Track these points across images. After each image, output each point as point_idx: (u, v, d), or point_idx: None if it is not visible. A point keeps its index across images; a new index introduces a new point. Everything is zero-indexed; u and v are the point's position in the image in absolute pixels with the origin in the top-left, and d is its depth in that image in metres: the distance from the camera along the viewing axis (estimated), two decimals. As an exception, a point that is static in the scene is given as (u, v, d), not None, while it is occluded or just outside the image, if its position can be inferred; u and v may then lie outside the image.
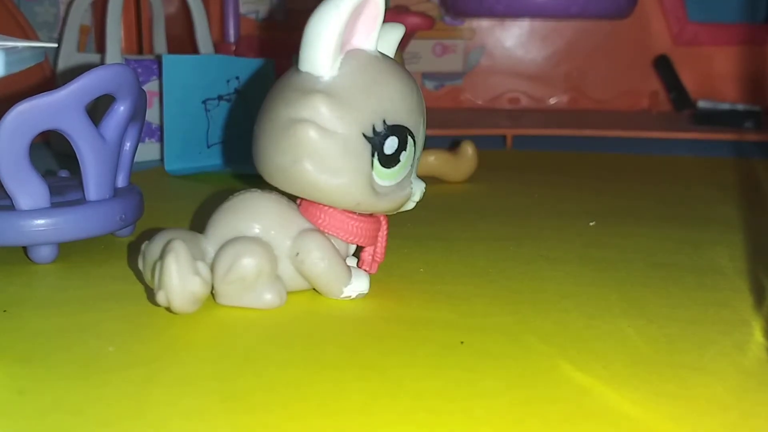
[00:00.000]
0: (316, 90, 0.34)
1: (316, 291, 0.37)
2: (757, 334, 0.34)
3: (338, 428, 0.26)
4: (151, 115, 0.74)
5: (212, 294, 0.35)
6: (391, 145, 0.35)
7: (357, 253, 0.39)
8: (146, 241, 0.36)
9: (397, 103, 0.35)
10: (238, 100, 0.72)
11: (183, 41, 0.88)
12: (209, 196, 0.59)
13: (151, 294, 0.36)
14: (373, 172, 0.35)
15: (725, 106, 0.99)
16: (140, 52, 0.91)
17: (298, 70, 0.35)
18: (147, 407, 0.27)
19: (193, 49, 0.82)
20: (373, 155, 0.34)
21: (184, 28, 0.86)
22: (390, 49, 0.37)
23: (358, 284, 0.37)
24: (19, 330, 0.33)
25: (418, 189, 0.37)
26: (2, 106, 0.40)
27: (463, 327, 0.34)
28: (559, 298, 0.38)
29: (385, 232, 0.39)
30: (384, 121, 0.34)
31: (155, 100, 0.74)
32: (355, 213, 0.37)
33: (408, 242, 0.47)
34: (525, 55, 1.05)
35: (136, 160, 0.50)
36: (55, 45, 0.73)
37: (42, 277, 0.41)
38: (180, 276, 0.32)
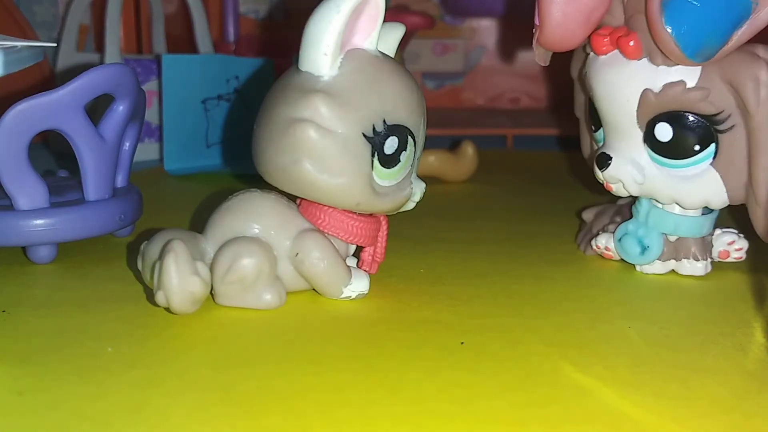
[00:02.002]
0: (316, 90, 0.34)
1: (316, 291, 0.37)
2: (759, 335, 0.34)
3: (338, 429, 0.25)
4: (151, 115, 0.74)
5: (211, 294, 0.35)
6: (391, 145, 0.35)
7: (357, 253, 0.39)
8: (145, 242, 0.36)
9: (397, 102, 0.35)
10: (238, 99, 0.72)
11: (182, 41, 0.88)
12: (209, 196, 0.59)
13: (150, 294, 0.36)
14: (373, 172, 0.35)
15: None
16: (139, 51, 0.91)
17: (298, 69, 0.35)
18: (146, 408, 0.26)
19: (193, 49, 0.82)
20: (373, 155, 0.34)
21: (184, 27, 0.86)
22: (390, 49, 0.37)
23: (358, 284, 0.37)
24: (18, 330, 0.33)
25: (418, 189, 0.37)
26: (1, 105, 0.40)
27: (463, 328, 0.34)
28: (560, 299, 0.38)
29: (385, 233, 0.39)
30: (384, 121, 0.34)
31: (154, 100, 0.74)
32: (355, 213, 0.36)
33: (408, 243, 0.47)
34: (526, 55, 1.04)
35: (135, 159, 0.49)
36: (54, 44, 0.73)
37: (41, 277, 0.41)
38: (179, 276, 0.32)
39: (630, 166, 0.39)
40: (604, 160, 0.40)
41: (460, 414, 0.26)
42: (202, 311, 0.34)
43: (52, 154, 0.77)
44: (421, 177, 0.38)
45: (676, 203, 0.40)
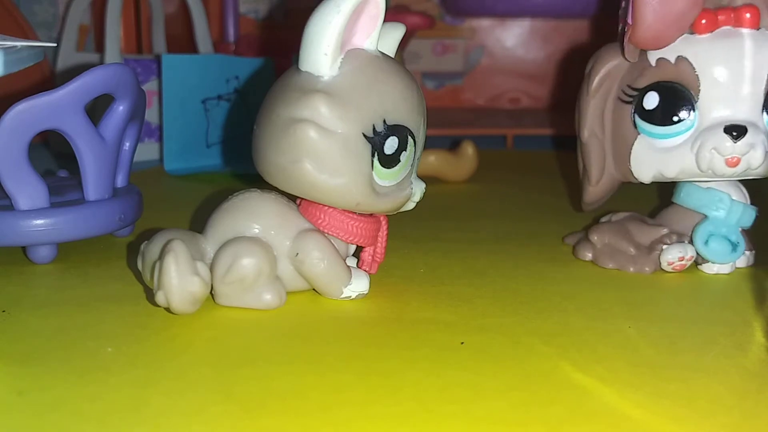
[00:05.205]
0: (316, 90, 0.34)
1: (316, 291, 0.37)
2: (759, 335, 0.34)
3: (338, 429, 0.25)
4: (151, 115, 0.74)
5: (211, 294, 0.35)
6: (391, 145, 0.35)
7: (357, 253, 0.39)
8: (145, 242, 0.36)
9: (397, 102, 0.35)
10: (238, 99, 0.72)
11: (182, 41, 0.88)
12: (209, 196, 0.59)
13: (150, 294, 0.36)
14: (373, 172, 0.35)
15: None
16: (139, 51, 0.91)
17: (298, 69, 0.35)
18: (146, 408, 0.26)
19: (193, 49, 0.82)
20: (373, 155, 0.34)
21: (184, 27, 0.86)
22: (390, 49, 0.37)
23: (358, 284, 0.37)
24: (18, 330, 0.33)
25: (418, 189, 0.37)
26: (1, 105, 0.40)
27: (463, 328, 0.34)
28: (560, 299, 0.38)
29: (385, 233, 0.39)
30: (384, 121, 0.34)
31: (154, 100, 0.74)
32: (354, 213, 0.36)
33: (408, 242, 0.47)
34: (526, 55, 1.05)
35: (135, 159, 0.49)
36: (54, 44, 0.73)
37: (41, 277, 0.41)
38: (179, 276, 0.32)
39: (763, 135, 0.39)
40: (741, 130, 0.39)
41: (460, 414, 0.26)
42: (202, 311, 0.34)
43: (52, 154, 0.77)
44: (421, 177, 0.38)
45: None
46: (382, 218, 0.38)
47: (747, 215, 0.42)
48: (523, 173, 0.72)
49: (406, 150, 0.35)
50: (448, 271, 0.42)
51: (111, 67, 0.42)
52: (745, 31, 0.40)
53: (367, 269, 0.39)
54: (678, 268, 0.42)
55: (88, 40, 0.89)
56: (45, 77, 0.79)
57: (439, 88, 1.05)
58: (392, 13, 0.69)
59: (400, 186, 0.36)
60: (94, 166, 0.42)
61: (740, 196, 0.42)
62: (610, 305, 0.37)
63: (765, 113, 0.40)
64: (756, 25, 0.40)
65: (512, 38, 1.04)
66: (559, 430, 0.26)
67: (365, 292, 0.37)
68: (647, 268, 0.42)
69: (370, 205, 0.35)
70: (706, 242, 0.41)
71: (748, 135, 0.39)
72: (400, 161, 0.35)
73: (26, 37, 0.73)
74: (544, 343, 0.32)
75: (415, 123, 0.36)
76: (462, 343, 0.32)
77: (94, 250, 0.45)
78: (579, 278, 0.41)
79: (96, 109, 0.45)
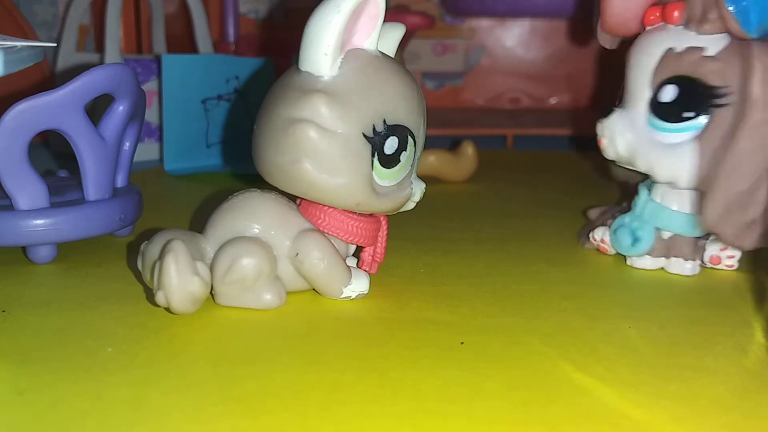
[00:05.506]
0: (316, 90, 0.34)
1: (316, 291, 0.37)
2: (759, 335, 0.34)
3: (338, 428, 0.25)
4: (151, 115, 0.74)
5: (211, 294, 0.35)
6: (391, 145, 0.35)
7: (357, 253, 0.39)
8: (145, 241, 0.36)
9: (397, 102, 0.35)
10: (238, 99, 0.72)
11: (182, 41, 0.88)
12: (209, 196, 0.59)
13: (150, 294, 0.36)
14: (373, 172, 0.35)
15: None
16: (139, 51, 0.91)
17: (298, 69, 0.35)
18: (146, 408, 0.26)
19: (193, 49, 0.82)
20: (373, 155, 0.34)
21: (184, 27, 0.86)
22: (390, 49, 0.37)
23: (358, 284, 0.37)
24: (18, 330, 0.33)
25: (418, 189, 0.37)
26: (1, 105, 0.40)
27: (463, 328, 0.34)
28: (560, 299, 0.38)
29: (385, 233, 0.39)
30: (384, 121, 0.34)
31: (154, 100, 0.74)
32: (354, 213, 0.36)
33: (408, 242, 0.47)
34: (526, 55, 1.04)
35: (135, 159, 0.49)
36: (54, 44, 0.73)
37: (41, 277, 0.41)
38: (179, 276, 0.32)
39: (626, 121, 0.41)
40: (606, 113, 0.42)
41: (460, 413, 0.26)
42: (202, 311, 0.34)
43: (52, 154, 0.77)
44: (421, 177, 0.38)
45: (650, 173, 0.41)
46: (382, 218, 0.38)
47: (660, 216, 0.41)
48: (523, 173, 0.72)
49: (406, 150, 0.35)
50: (449, 271, 0.42)
51: (111, 67, 0.42)
52: (668, 27, 0.40)
53: (367, 269, 0.39)
54: (601, 249, 0.45)
55: (88, 40, 0.89)
56: (45, 77, 0.79)
57: (439, 88, 1.05)
58: (392, 13, 0.69)
59: (400, 186, 0.36)
60: (94, 166, 0.42)
61: (668, 198, 0.41)
62: (610, 305, 0.37)
63: (650, 112, 0.40)
64: (678, 21, 0.40)
65: (512, 38, 1.04)
66: (559, 430, 0.26)
67: (365, 292, 0.37)
68: (581, 242, 0.46)
69: (370, 205, 0.35)
70: (615, 231, 0.43)
71: (609, 120, 0.41)
72: (400, 161, 0.35)
73: (26, 37, 0.73)
74: (544, 343, 0.32)
75: (415, 123, 0.36)
76: (462, 343, 0.32)
77: (94, 250, 0.45)
78: (579, 278, 0.41)
79: (96, 109, 0.45)
